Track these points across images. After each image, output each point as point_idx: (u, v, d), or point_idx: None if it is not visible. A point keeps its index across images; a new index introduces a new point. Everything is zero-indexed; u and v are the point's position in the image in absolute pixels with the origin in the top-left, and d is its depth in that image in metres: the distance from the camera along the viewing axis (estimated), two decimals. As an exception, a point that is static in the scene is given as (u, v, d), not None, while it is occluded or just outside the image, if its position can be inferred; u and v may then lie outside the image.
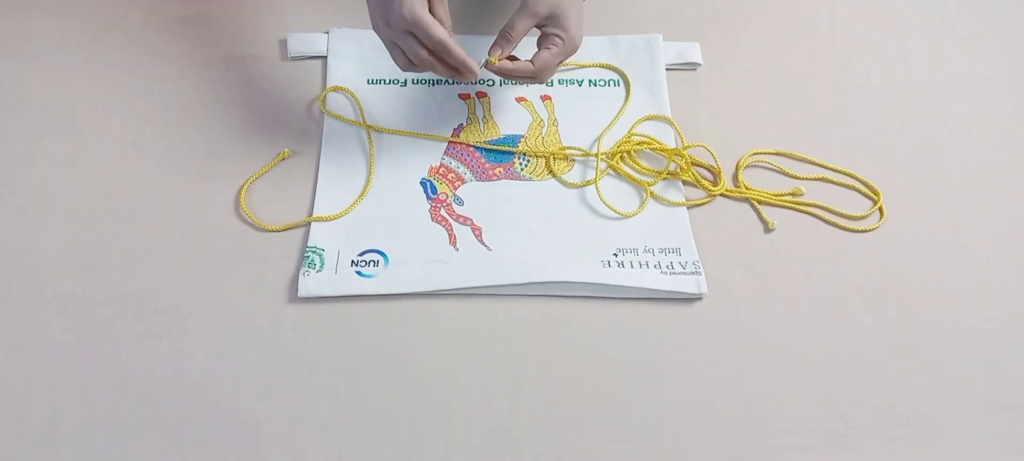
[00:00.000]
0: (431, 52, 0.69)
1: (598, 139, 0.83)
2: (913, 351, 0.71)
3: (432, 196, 0.79)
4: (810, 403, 0.68)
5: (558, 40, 0.74)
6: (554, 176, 0.81)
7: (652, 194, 0.80)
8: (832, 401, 0.68)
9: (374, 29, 0.71)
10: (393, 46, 0.70)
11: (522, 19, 0.74)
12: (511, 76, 0.74)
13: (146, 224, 0.75)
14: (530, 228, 0.77)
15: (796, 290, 0.74)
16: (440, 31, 0.67)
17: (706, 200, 0.80)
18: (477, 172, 0.81)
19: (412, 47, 0.68)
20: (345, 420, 0.65)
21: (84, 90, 0.84)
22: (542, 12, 0.73)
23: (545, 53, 0.74)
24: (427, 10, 0.67)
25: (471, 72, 0.71)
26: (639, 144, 0.83)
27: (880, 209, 0.80)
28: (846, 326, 0.72)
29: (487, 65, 0.74)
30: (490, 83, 0.88)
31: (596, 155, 0.82)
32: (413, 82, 0.87)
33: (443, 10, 0.70)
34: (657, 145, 0.83)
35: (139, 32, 0.89)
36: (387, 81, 0.87)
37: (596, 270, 0.73)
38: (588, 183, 0.80)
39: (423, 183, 0.80)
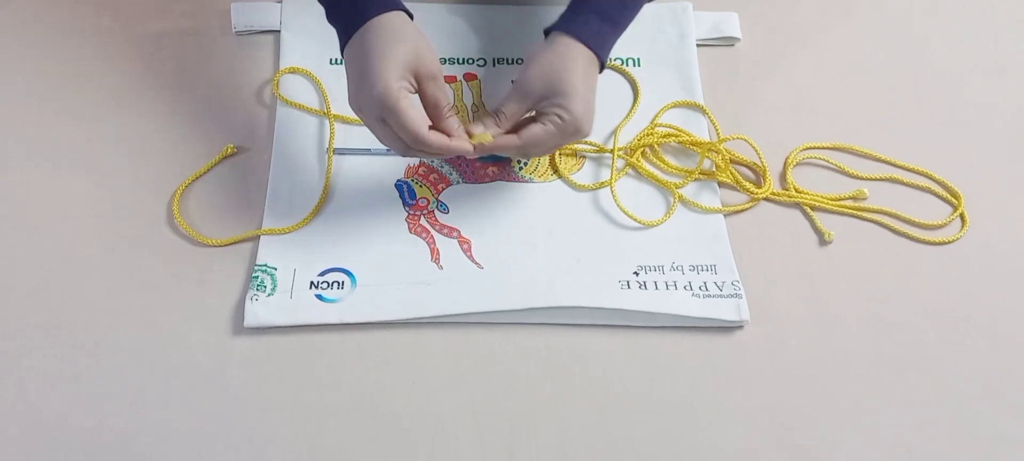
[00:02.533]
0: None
1: (615, 132, 0.84)
2: (1001, 391, 0.72)
3: (410, 202, 0.79)
4: (875, 455, 0.68)
5: (557, 119, 0.71)
6: (561, 177, 0.82)
7: (681, 198, 0.80)
8: (902, 451, 0.68)
9: (351, 107, 0.71)
10: (375, 128, 0.71)
11: (511, 102, 0.73)
12: (494, 152, 0.73)
13: (59, 238, 0.75)
14: (531, 241, 0.77)
15: (857, 316, 0.75)
16: (414, 123, 0.67)
17: (748, 205, 0.81)
18: (465, 172, 0.81)
19: (386, 135, 0.69)
20: (304, 479, 0.66)
21: (-19, 73, 0.85)
22: (536, 91, 0.72)
23: (537, 128, 0.72)
24: (405, 93, 0.68)
25: (463, 153, 0.71)
26: (665, 137, 0.84)
27: (962, 216, 0.81)
28: (919, 360, 0.73)
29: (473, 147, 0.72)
30: (481, 63, 0.89)
31: (612, 151, 0.82)
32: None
33: (436, 86, 0.70)
34: (687, 138, 0.84)
35: (45, 2, 0.89)
36: (354, 61, 0.88)
37: (613, 293, 0.74)
38: (602, 185, 0.81)
39: (399, 186, 0.80)
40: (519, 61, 0.89)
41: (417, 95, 0.70)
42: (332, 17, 0.74)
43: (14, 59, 0.86)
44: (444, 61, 0.88)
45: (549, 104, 0.72)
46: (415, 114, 0.67)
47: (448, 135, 0.69)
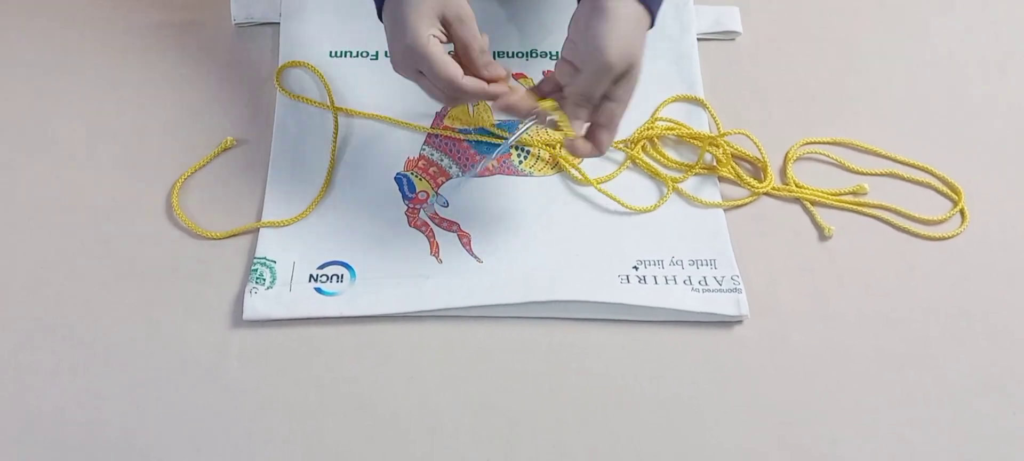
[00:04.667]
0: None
1: None
2: (1001, 387, 0.71)
3: (409, 196, 0.79)
4: (878, 452, 0.68)
5: (626, 94, 0.67)
6: (565, 166, 0.81)
7: (676, 189, 0.80)
8: (901, 447, 0.68)
9: (395, 70, 0.70)
10: (418, 82, 0.70)
11: (597, 77, 0.65)
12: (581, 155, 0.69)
13: (58, 231, 0.75)
14: (530, 235, 0.77)
15: (857, 311, 0.75)
16: (447, 69, 0.65)
17: (748, 200, 0.81)
18: (465, 166, 0.81)
19: (426, 87, 0.68)
20: (302, 473, 0.66)
21: (-20, 64, 0.84)
22: (618, 69, 0.65)
23: (614, 107, 0.67)
24: (434, 41, 0.66)
25: (501, 99, 0.68)
26: (666, 129, 0.83)
27: (962, 212, 0.80)
28: (918, 355, 0.73)
29: (556, 126, 0.68)
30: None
31: (627, 148, 0.82)
32: (386, 54, 0.87)
33: (464, 29, 0.68)
34: (687, 131, 0.83)
35: (48, -7, 0.89)
36: (354, 53, 0.87)
37: (612, 287, 0.74)
38: (603, 180, 0.80)
39: (398, 179, 0.80)
40: (518, 54, 0.88)
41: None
42: None
43: (13, 50, 0.86)
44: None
45: (624, 79, 0.67)
46: (447, 60, 0.66)
47: (486, 80, 0.68)
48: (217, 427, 0.67)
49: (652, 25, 0.70)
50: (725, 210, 0.80)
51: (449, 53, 0.67)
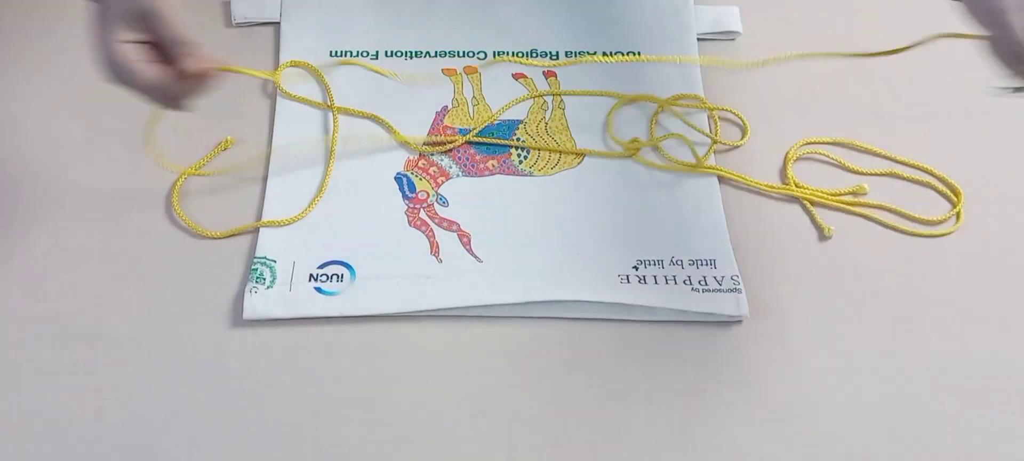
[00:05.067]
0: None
1: (607, 116, 0.85)
2: (1001, 386, 0.71)
3: (409, 195, 0.79)
4: (877, 451, 0.68)
5: None
6: (577, 155, 0.81)
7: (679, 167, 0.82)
8: (903, 449, 0.68)
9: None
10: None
11: None
12: None
13: (55, 230, 0.75)
14: (531, 235, 0.77)
15: (857, 311, 0.75)
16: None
17: (737, 142, 0.84)
18: (465, 166, 0.81)
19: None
20: (302, 472, 0.66)
21: (-20, 64, 0.84)
22: None
23: None
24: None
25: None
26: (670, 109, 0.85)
27: (961, 212, 0.80)
28: (918, 355, 0.72)
29: None
30: (481, 56, 0.88)
31: (622, 154, 0.82)
32: (386, 54, 0.88)
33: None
34: (696, 102, 0.86)
35: (48, -8, 0.89)
36: (354, 53, 0.87)
37: (612, 287, 0.74)
38: (619, 154, 0.81)
39: (398, 179, 0.80)
40: (518, 53, 0.88)
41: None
42: None
43: (12, 50, 0.86)
44: (443, 53, 0.88)
45: None
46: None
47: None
48: (217, 427, 0.66)
49: None
50: (720, 179, 0.81)
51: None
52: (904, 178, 0.83)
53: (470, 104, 0.85)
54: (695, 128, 0.84)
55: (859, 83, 0.89)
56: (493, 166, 0.81)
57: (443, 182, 0.80)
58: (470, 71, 0.87)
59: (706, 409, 0.69)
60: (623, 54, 0.89)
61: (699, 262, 0.76)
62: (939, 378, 0.71)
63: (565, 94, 0.86)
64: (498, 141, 0.82)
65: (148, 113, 0.79)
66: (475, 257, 0.75)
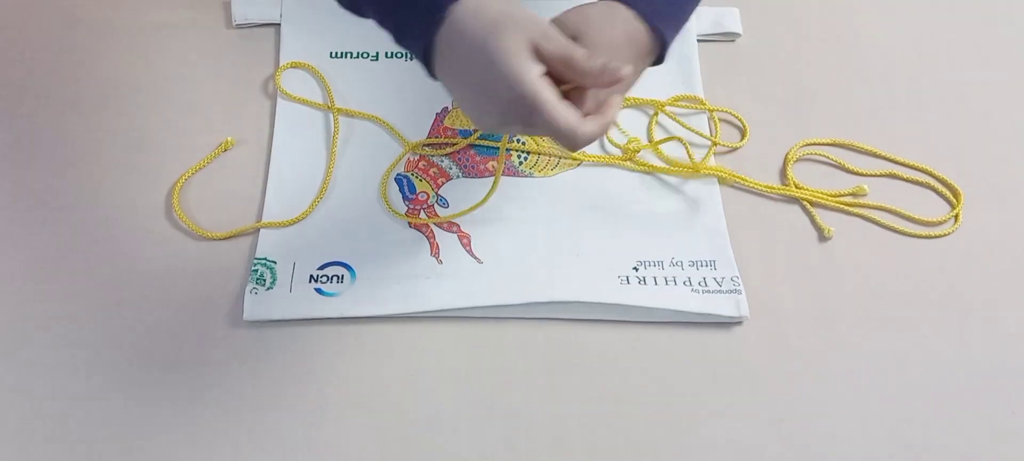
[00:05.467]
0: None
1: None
2: (1000, 386, 0.71)
3: (409, 196, 0.79)
4: (876, 450, 0.68)
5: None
6: (576, 159, 0.81)
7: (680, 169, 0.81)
8: (903, 449, 0.68)
9: (478, 126, 0.60)
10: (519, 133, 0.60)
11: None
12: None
13: (56, 230, 0.75)
14: (531, 236, 0.77)
15: (856, 312, 0.75)
16: (568, 119, 0.54)
17: (737, 145, 0.84)
18: (465, 167, 0.81)
19: (538, 136, 0.58)
20: (302, 472, 0.66)
21: (-20, 65, 0.84)
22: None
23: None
24: (544, 80, 0.54)
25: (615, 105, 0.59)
26: (670, 110, 0.85)
27: (961, 213, 0.80)
28: (918, 355, 0.73)
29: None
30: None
31: (622, 157, 0.82)
32: (386, 56, 0.88)
33: (554, 44, 0.55)
34: (693, 103, 0.86)
35: (48, -7, 0.89)
36: (354, 55, 0.87)
37: (613, 288, 0.74)
38: (618, 160, 0.80)
39: (398, 180, 0.80)
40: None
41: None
42: (401, 35, 0.60)
43: (13, 50, 0.86)
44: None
45: None
46: (563, 106, 0.54)
47: (594, 81, 0.55)
48: (217, 426, 0.67)
49: None
50: (720, 181, 0.81)
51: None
52: (904, 179, 0.83)
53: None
54: (694, 130, 0.84)
55: (859, 83, 0.89)
56: (493, 167, 0.81)
57: (443, 183, 0.80)
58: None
59: (706, 410, 0.69)
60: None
61: (699, 263, 0.76)
62: (938, 378, 0.71)
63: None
64: (498, 143, 0.82)
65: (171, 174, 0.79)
66: (475, 258, 0.75)
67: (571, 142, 0.55)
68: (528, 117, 0.54)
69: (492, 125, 0.58)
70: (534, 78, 0.54)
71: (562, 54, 0.55)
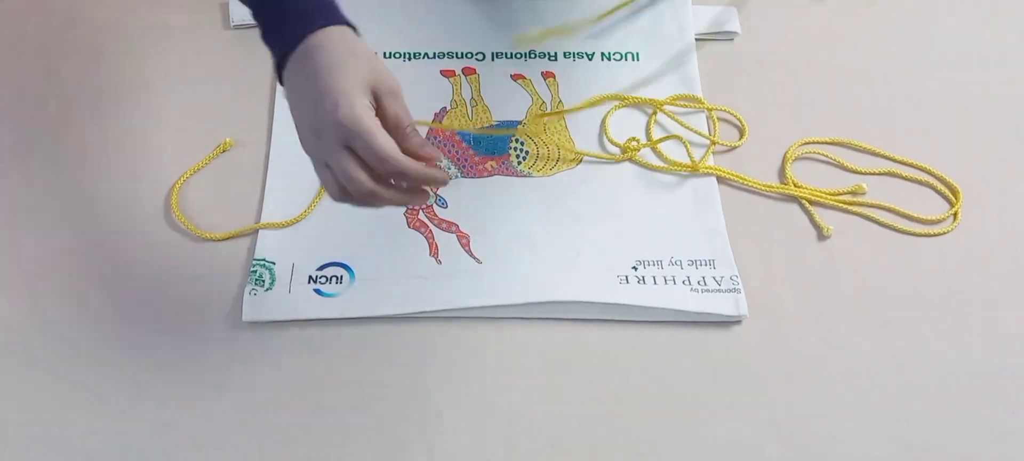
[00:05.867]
0: (374, 174, 0.60)
1: (603, 120, 0.85)
2: (1000, 385, 0.71)
3: (409, 196, 0.79)
4: (876, 449, 0.68)
5: None
6: (576, 155, 0.81)
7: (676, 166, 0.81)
8: (902, 448, 0.68)
9: (302, 145, 0.62)
10: (324, 168, 0.61)
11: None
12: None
13: (55, 231, 0.75)
14: (530, 236, 0.77)
15: (855, 310, 0.75)
16: (387, 147, 0.58)
17: (735, 144, 0.83)
18: (464, 166, 0.81)
19: (348, 169, 0.59)
20: (302, 473, 0.66)
21: (-21, 67, 0.84)
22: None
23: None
24: (371, 112, 0.59)
25: (438, 184, 0.65)
26: (669, 110, 0.85)
27: (960, 211, 0.80)
28: (917, 354, 0.73)
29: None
30: (479, 57, 0.88)
31: (621, 156, 0.82)
32: (385, 55, 0.88)
33: (397, 104, 0.61)
34: (692, 103, 0.85)
35: (46, -5, 0.89)
36: (353, 55, 0.87)
37: (612, 287, 0.74)
38: (617, 159, 0.80)
39: (398, 180, 0.80)
40: (517, 56, 0.88)
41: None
42: (268, 34, 0.64)
43: (12, 52, 0.86)
44: (442, 55, 0.88)
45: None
46: (386, 135, 0.58)
47: (416, 157, 0.60)
48: (217, 427, 0.66)
49: None
50: (718, 179, 0.81)
51: None
52: (903, 178, 0.83)
53: (469, 106, 0.85)
54: (693, 129, 0.84)
55: (858, 82, 0.89)
56: (492, 167, 0.81)
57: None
58: (468, 72, 0.87)
59: (706, 409, 0.69)
60: (620, 58, 0.89)
61: (698, 262, 0.76)
62: (937, 377, 0.71)
63: (566, 99, 0.86)
64: (501, 131, 0.82)
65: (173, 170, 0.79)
66: (474, 258, 0.75)
67: (389, 170, 0.59)
68: (351, 140, 0.58)
69: (312, 146, 0.61)
70: (362, 105, 0.58)
71: (395, 116, 0.60)
